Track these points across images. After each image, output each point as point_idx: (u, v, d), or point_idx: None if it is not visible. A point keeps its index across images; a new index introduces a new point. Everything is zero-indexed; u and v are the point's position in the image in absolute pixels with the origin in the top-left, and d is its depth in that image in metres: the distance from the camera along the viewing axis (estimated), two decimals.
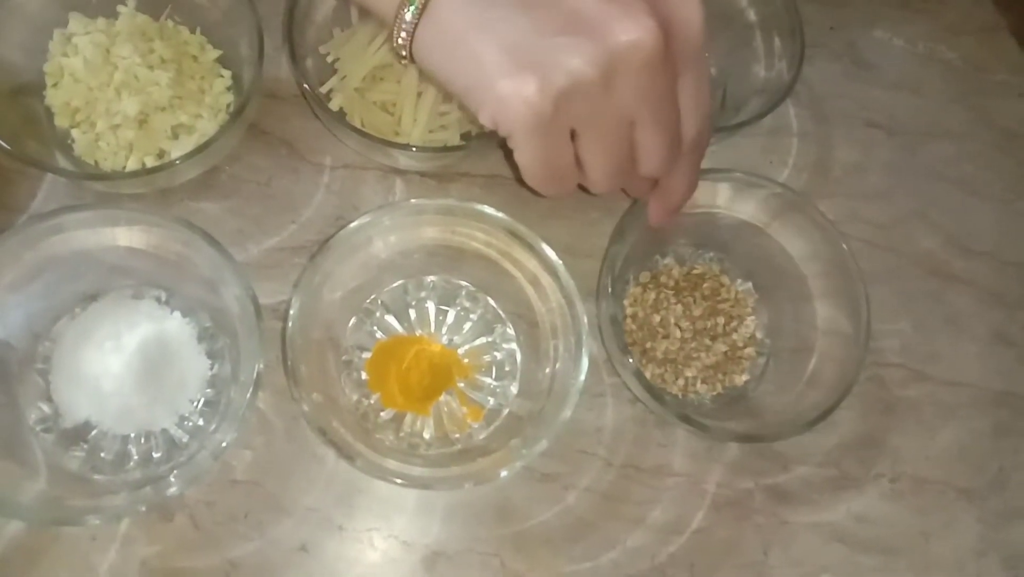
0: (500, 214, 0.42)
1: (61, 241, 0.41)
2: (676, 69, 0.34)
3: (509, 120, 0.33)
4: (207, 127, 0.46)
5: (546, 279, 0.43)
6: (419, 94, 0.46)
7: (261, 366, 0.38)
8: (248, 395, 0.37)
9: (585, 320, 0.41)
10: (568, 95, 0.32)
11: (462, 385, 0.45)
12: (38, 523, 0.41)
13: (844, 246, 0.45)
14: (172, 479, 0.38)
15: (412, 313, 0.46)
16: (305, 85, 0.44)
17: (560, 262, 0.41)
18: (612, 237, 0.44)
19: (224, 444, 0.37)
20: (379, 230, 0.43)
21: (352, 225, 0.41)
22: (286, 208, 0.48)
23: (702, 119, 0.37)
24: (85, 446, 0.42)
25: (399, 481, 0.39)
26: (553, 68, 0.31)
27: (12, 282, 0.41)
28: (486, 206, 0.42)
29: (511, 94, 0.32)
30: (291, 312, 0.39)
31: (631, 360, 0.41)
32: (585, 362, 0.40)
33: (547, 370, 0.44)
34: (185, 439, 0.42)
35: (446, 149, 0.47)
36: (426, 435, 0.45)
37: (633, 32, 0.31)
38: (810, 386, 0.45)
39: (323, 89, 0.47)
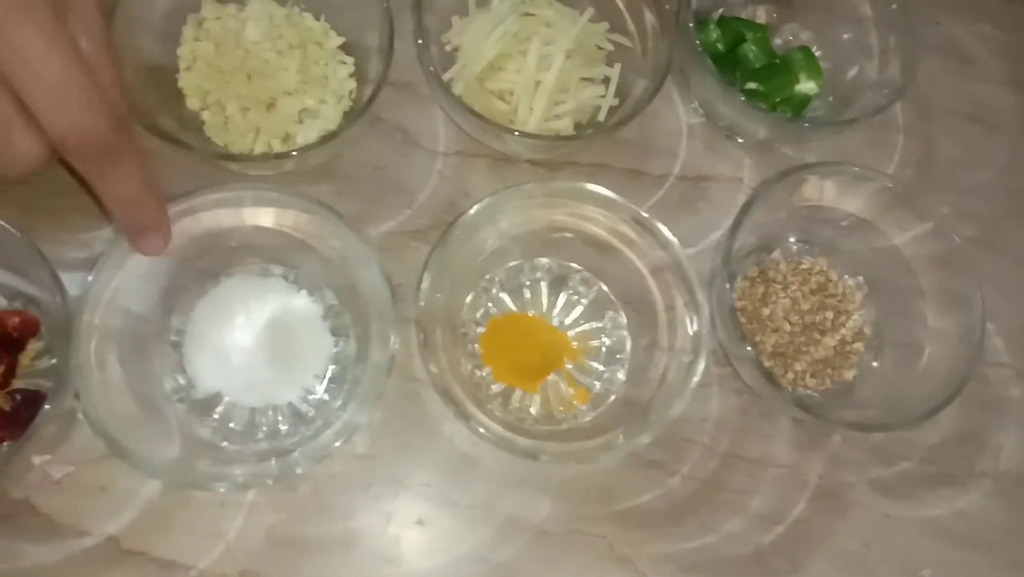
0: (624, 200, 0.43)
1: (193, 221, 0.43)
2: None
3: None
4: (330, 113, 0.47)
5: (665, 268, 0.44)
6: (537, 83, 0.47)
7: (396, 347, 0.39)
8: (384, 375, 0.39)
9: (707, 312, 0.41)
10: None
11: (570, 367, 0.47)
12: (171, 484, 0.42)
13: (958, 241, 0.45)
14: (297, 455, 0.40)
15: (526, 293, 0.48)
16: (431, 68, 0.45)
17: (683, 251, 0.42)
18: (730, 230, 0.44)
19: (356, 426, 0.39)
20: (499, 213, 0.44)
21: (476, 207, 0.43)
22: (401, 192, 0.49)
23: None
24: (216, 416, 0.43)
25: (507, 447, 0.40)
26: None
27: (147, 259, 0.42)
28: (610, 191, 0.43)
29: None
30: (422, 287, 0.41)
31: (750, 349, 0.42)
32: (703, 361, 0.41)
33: (659, 360, 0.44)
34: (311, 413, 0.44)
35: (562, 138, 0.48)
36: (533, 411, 0.46)
37: None
38: (919, 383, 0.45)
39: (445, 77, 0.48)
